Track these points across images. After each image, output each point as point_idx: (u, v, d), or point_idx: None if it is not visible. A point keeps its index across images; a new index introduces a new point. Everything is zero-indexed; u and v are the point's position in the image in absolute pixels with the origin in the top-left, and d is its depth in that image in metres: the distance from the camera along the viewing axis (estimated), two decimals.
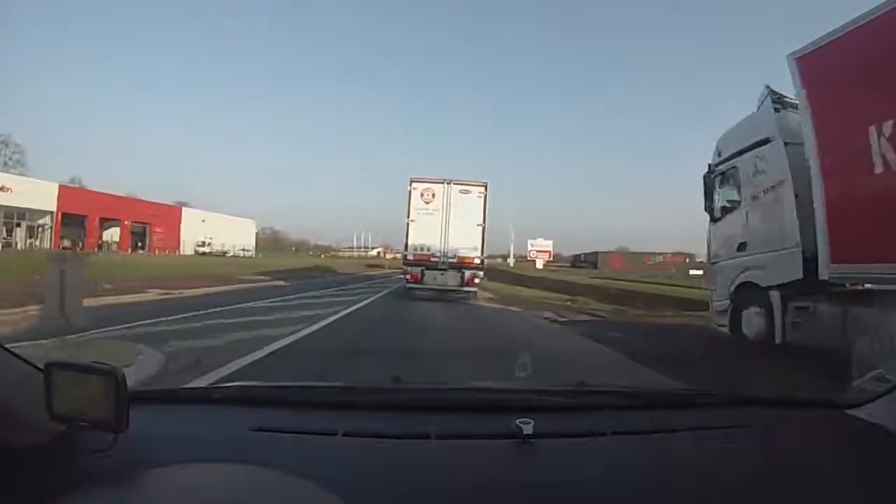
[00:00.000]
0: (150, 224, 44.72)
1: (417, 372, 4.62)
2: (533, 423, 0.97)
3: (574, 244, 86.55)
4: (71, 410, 0.81)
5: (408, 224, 12.50)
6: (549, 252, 53.58)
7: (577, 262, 67.53)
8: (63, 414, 0.82)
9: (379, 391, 1.34)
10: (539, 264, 48.89)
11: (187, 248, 46.39)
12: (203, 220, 50.00)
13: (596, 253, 66.73)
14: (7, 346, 0.84)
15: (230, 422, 1.08)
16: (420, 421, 1.09)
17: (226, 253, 49.02)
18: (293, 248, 78.46)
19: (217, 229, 50.55)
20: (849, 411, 1.15)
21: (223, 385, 1.49)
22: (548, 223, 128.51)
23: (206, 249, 47.00)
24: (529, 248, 53.40)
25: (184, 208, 49.22)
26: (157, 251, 42.61)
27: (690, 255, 67.22)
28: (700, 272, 57.04)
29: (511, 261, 54.43)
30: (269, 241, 74.62)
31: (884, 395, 1.11)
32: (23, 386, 0.82)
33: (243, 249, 54.10)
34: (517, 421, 0.98)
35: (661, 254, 66.03)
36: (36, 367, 0.86)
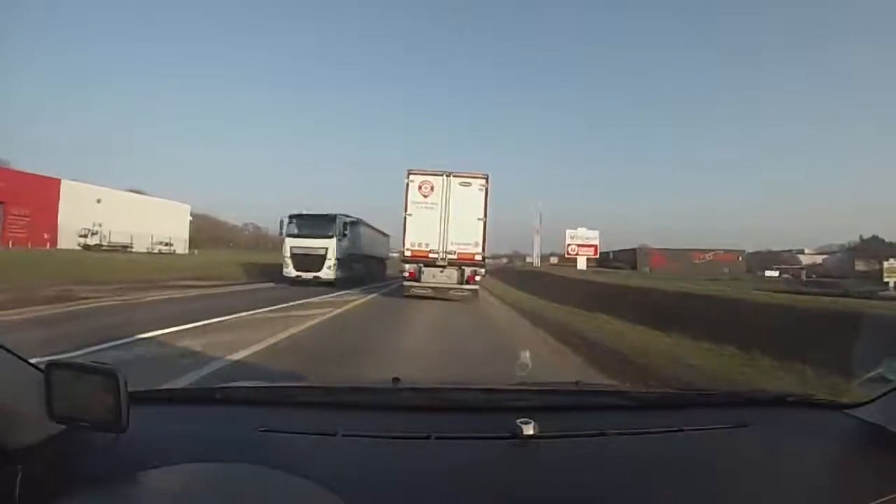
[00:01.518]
0: (4, 203, 29.00)
1: None
2: (533, 423, 0.97)
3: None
4: (71, 410, 0.81)
5: (405, 219, 11.72)
6: (595, 247, 39.67)
7: (606, 260, 54.04)
8: (63, 414, 0.82)
9: (379, 391, 1.32)
10: (581, 263, 34.93)
11: (70, 238, 30.83)
12: (98, 200, 34.33)
13: (633, 250, 54.56)
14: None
15: (230, 422, 1.07)
16: (420, 421, 1.09)
17: (127, 247, 33.52)
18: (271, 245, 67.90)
19: (124, 214, 35.01)
20: (849, 411, 1.15)
21: (223, 385, 1.42)
22: (559, 219, 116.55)
23: (93, 241, 31.52)
24: (568, 241, 39.35)
25: (64, 181, 33.09)
26: (10, 243, 27.17)
27: (741, 252, 54.95)
28: (776, 273, 45.35)
29: (534, 259, 39.83)
30: (252, 239, 70.30)
31: (884, 395, 1.09)
32: (23, 386, 0.82)
33: (163, 243, 38.28)
34: (517, 421, 0.97)
35: (711, 250, 53.34)
36: (36, 367, 0.86)
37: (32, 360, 0.88)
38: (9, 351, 0.83)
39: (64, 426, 0.84)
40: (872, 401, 1.11)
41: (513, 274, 24.40)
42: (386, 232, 25.64)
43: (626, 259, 52.62)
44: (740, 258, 54.81)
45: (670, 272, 39.44)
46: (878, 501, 0.79)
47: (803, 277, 44.01)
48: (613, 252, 58.52)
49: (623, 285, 12.45)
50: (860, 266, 48.43)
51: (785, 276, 45.38)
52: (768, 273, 45.36)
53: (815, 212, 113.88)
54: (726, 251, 54.96)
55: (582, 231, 39.29)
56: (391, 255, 24.92)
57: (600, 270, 34.26)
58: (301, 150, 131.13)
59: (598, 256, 41.00)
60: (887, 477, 0.89)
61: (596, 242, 39.63)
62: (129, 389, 0.81)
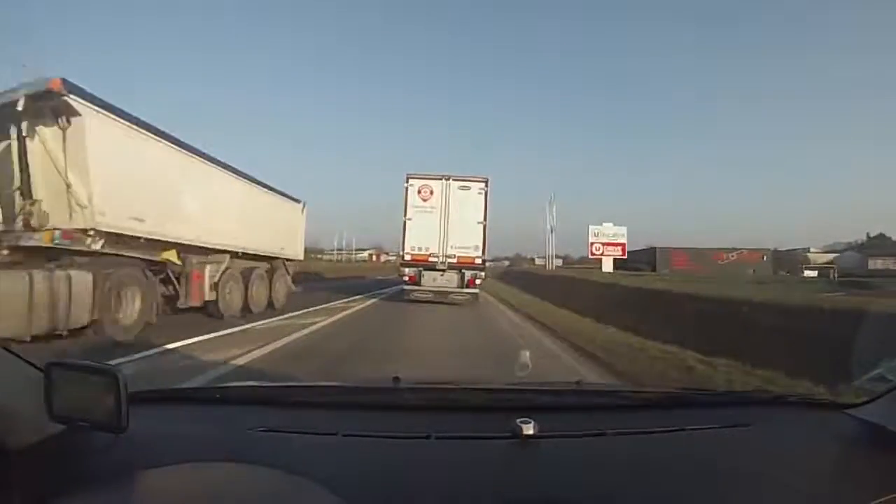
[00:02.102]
0: None
1: None
2: (533, 422, 0.97)
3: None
4: (71, 410, 0.82)
5: (404, 223, 11.66)
6: (624, 245, 35.50)
7: (622, 261, 49.84)
8: (63, 414, 0.82)
9: (379, 391, 1.32)
10: (607, 265, 30.73)
11: None
12: None
13: (651, 250, 50.04)
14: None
15: (230, 422, 1.08)
16: (420, 421, 1.09)
17: None
18: None
19: None
20: (849, 411, 1.14)
21: (223, 385, 1.46)
22: (560, 219, 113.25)
23: None
24: (591, 238, 35.05)
25: None
26: None
27: (766, 251, 51.10)
28: (814, 273, 41.45)
29: (548, 262, 35.43)
30: None
31: (884, 395, 1.09)
32: (23, 386, 0.83)
33: None
34: (517, 421, 0.97)
35: (734, 250, 49.47)
36: (36, 367, 0.86)
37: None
38: (9, 351, 0.83)
39: (64, 426, 0.84)
40: (872, 401, 1.11)
41: (535, 282, 19.52)
42: (291, 195, 11.45)
43: (643, 259, 48.46)
44: (765, 258, 50.90)
45: (698, 274, 35.39)
46: (877, 501, 0.79)
47: (831, 277, 40.54)
48: (629, 252, 54.54)
49: (720, 299, 7.87)
50: (876, 264, 45.49)
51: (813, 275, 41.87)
52: (807, 273, 41.57)
53: (818, 210, 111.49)
54: (750, 251, 51.07)
55: (608, 227, 35.09)
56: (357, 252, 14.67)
57: (626, 273, 30.09)
58: (300, 151, 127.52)
59: (626, 257, 36.70)
60: (887, 477, 0.89)
61: (624, 240, 35.47)
62: (129, 389, 0.82)
